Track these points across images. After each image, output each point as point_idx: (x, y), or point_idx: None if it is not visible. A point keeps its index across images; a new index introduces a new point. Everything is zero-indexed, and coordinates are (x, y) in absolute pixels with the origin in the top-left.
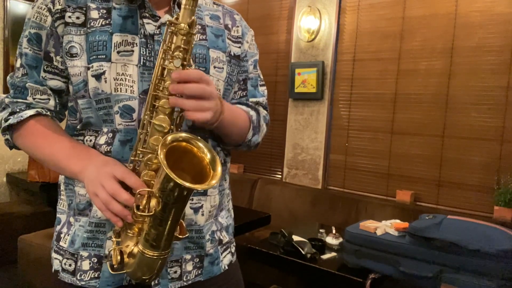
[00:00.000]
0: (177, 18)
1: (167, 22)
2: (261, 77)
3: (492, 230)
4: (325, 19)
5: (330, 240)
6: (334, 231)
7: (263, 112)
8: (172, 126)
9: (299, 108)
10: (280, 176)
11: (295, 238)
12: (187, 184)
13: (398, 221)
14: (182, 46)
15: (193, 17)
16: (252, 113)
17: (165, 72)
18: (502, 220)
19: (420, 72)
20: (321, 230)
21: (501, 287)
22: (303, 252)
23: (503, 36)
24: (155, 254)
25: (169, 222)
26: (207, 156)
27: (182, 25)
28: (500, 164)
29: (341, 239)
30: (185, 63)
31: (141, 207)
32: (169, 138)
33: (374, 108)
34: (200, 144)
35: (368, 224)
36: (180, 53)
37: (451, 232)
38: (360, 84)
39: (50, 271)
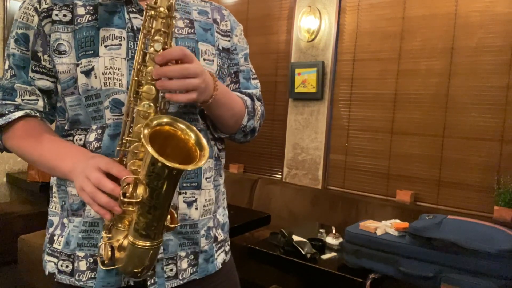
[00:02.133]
0: (155, 2)
1: (146, 7)
2: (253, 70)
3: (492, 230)
4: (325, 19)
5: (330, 240)
6: (334, 231)
7: (257, 102)
8: (157, 113)
9: (299, 108)
10: (280, 176)
11: (295, 238)
12: (174, 165)
13: (398, 221)
14: (162, 29)
15: (171, 0)
16: (246, 98)
17: (147, 57)
18: (502, 220)
19: (420, 72)
20: (321, 230)
21: (501, 287)
22: (303, 252)
23: (503, 36)
24: (147, 244)
25: (158, 209)
26: (192, 138)
27: (161, 8)
28: (500, 164)
29: (341, 239)
30: (166, 47)
31: (127, 194)
32: (154, 122)
33: (374, 108)
34: (183, 126)
35: (368, 224)
36: (161, 37)
37: (451, 232)
38: (360, 84)
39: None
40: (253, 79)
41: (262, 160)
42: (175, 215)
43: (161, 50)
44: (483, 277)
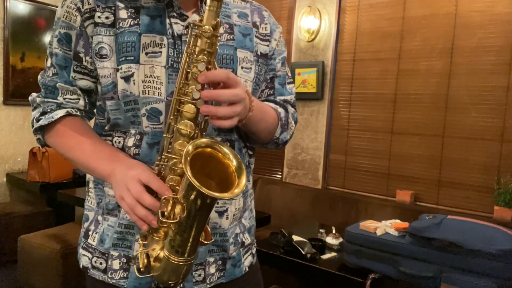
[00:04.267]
0: (201, 20)
1: (191, 25)
2: (289, 74)
3: (492, 230)
4: (325, 19)
5: (330, 240)
6: (334, 231)
7: (291, 110)
8: (196, 131)
9: (299, 108)
10: (280, 176)
11: (295, 238)
12: (212, 193)
13: (398, 221)
14: (206, 49)
15: (218, 19)
16: (280, 110)
17: (189, 76)
18: (502, 220)
19: (420, 72)
20: (321, 230)
21: (501, 287)
22: (303, 252)
23: (503, 36)
24: (181, 260)
25: (194, 229)
26: (233, 163)
27: (206, 27)
28: (500, 164)
29: (341, 239)
30: (209, 66)
31: (166, 213)
32: (190, 146)
33: (374, 108)
34: (226, 150)
35: (368, 224)
36: (205, 56)
37: (451, 232)
38: (360, 84)
39: (50, 271)
40: (289, 83)
41: (262, 160)
42: (209, 231)
43: (205, 70)
44: (483, 277)
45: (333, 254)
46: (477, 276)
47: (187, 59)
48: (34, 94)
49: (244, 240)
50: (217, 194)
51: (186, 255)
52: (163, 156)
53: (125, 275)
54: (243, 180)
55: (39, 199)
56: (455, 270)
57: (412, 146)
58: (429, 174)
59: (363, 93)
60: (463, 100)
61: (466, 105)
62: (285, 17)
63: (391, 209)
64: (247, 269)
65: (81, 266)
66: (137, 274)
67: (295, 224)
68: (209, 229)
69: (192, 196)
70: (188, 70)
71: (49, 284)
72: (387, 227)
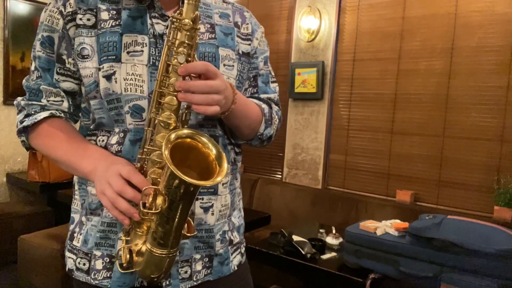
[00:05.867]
0: (180, 14)
1: (171, 18)
2: (273, 73)
3: (492, 230)
4: (325, 19)
5: (330, 240)
6: (334, 231)
7: (275, 108)
8: (178, 123)
9: (299, 108)
10: (280, 176)
11: (295, 238)
12: (192, 181)
13: (398, 221)
14: (186, 41)
15: (196, 12)
16: (264, 106)
17: (170, 68)
18: (502, 220)
19: (420, 72)
20: (321, 230)
21: (501, 287)
22: (303, 252)
23: (503, 36)
24: (163, 253)
25: (176, 220)
26: (213, 152)
27: (186, 20)
28: (500, 164)
29: (341, 239)
30: (189, 59)
31: (147, 204)
32: (173, 135)
33: (374, 108)
34: (205, 140)
35: (368, 224)
36: (185, 49)
37: (451, 232)
38: (360, 84)
39: (50, 271)
40: (272, 82)
41: (262, 160)
42: (192, 224)
43: (185, 62)
44: (483, 277)
45: (333, 254)
46: (477, 276)
47: (167, 52)
48: (19, 98)
49: (232, 238)
50: (199, 182)
51: (169, 248)
52: (145, 149)
53: (108, 275)
54: (224, 165)
55: (39, 199)
56: (455, 270)
57: (412, 146)
58: (429, 174)
59: (363, 93)
60: (463, 100)
61: (466, 105)
62: (285, 17)
63: (391, 209)
64: (236, 268)
65: (67, 269)
66: (119, 270)
67: (295, 224)
68: (192, 222)
69: (174, 186)
70: (169, 63)
71: (49, 284)
72: (387, 227)
